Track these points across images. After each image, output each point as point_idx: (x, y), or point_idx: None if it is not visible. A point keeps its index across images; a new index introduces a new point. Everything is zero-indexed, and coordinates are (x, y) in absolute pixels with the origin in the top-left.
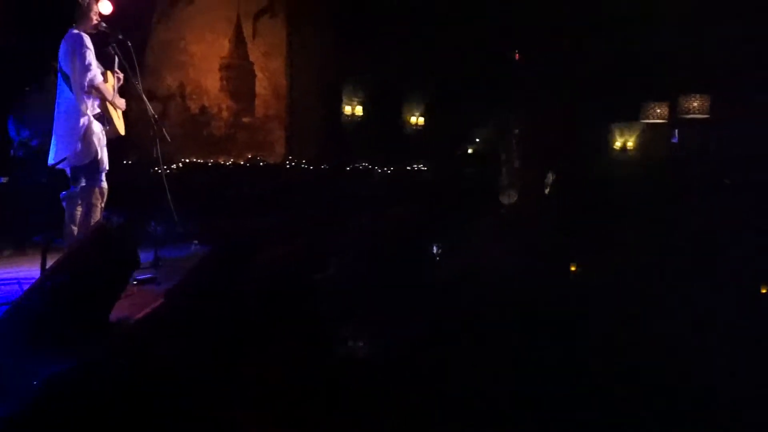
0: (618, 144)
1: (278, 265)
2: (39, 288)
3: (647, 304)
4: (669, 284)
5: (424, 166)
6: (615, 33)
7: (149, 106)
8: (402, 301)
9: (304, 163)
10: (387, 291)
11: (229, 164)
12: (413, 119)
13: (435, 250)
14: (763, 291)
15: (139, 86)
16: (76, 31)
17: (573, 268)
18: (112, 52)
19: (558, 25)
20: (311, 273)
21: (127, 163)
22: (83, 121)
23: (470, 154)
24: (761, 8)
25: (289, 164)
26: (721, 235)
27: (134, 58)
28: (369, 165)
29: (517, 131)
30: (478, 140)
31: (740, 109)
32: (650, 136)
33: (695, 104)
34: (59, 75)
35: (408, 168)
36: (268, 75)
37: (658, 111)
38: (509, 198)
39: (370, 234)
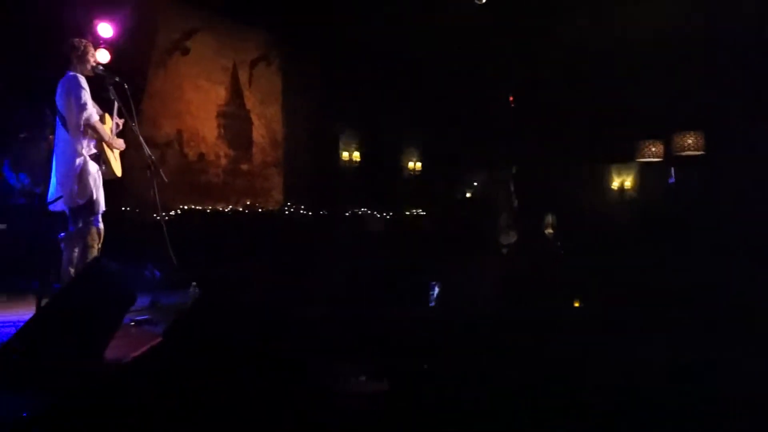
0: (615, 184)
1: (268, 305)
2: (32, 325)
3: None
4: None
5: (422, 211)
6: (606, 72)
7: (146, 148)
8: (394, 336)
9: (303, 209)
10: (381, 326)
11: (228, 211)
12: (411, 164)
13: (432, 288)
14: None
15: (136, 128)
16: (72, 73)
17: (576, 304)
18: (111, 96)
19: (551, 68)
20: (301, 312)
21: (124, 209)
22: (79, 161)
23: (468, 197)
24: (751, 45)
25: (287, 210)
26: (720, 274)
27: (131, 101)
28: (368, 210)
29: (514, 171)
30: (476, 183)
31: (735, 144)
32: (647, 175)
33: (689, 141)
34: (57, 117)
35: (407, 213)
36: (265, 122)
37: (653, 149)
38: (510, 238)
39: (364, 274)
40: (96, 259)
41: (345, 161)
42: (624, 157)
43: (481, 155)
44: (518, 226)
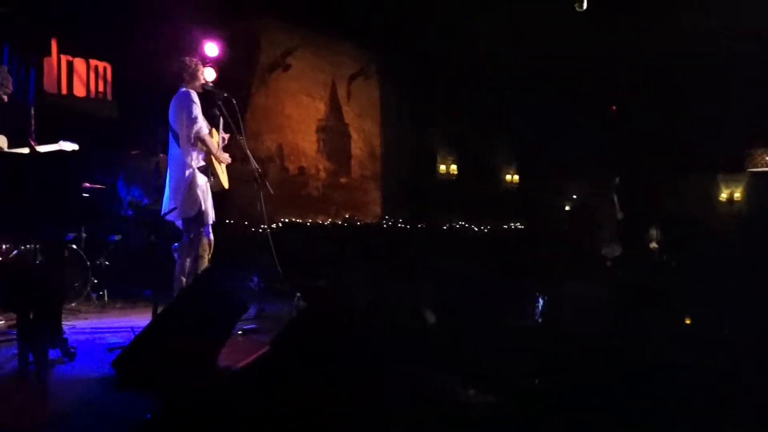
0: (724, 196)
1: (372, 316)
2: (150, 330)
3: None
4: None
5: (521, 224)
6: (712, 75)
7: (253, 161)
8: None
9: (401, 222)
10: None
11: (327, 224)
12: (508, 177)
13: (538, 301)
14: None
15: (244, 141)
16: (184, 89)
17: (687, 321)
18: (218, 111)
19: (654, 73)
20: (406, 322)
21: (229, 222)
22: (188, 173)
23: (568, 210)
24: None
25: (385, 224)
26: None
27: (239, 115)
28: (465, 223)
29: (617, 181)
30: (575, 196)
31: None
32: (759, 186)
33: None
34: (170, 132)
35: (504, 226)
36: (363, 136)
37: (767, 158)
38: (613, 252)
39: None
40: (210, 268)
41: (442, 174)
42: (732, 167)
43: (581, 166)
44: (623, 239)
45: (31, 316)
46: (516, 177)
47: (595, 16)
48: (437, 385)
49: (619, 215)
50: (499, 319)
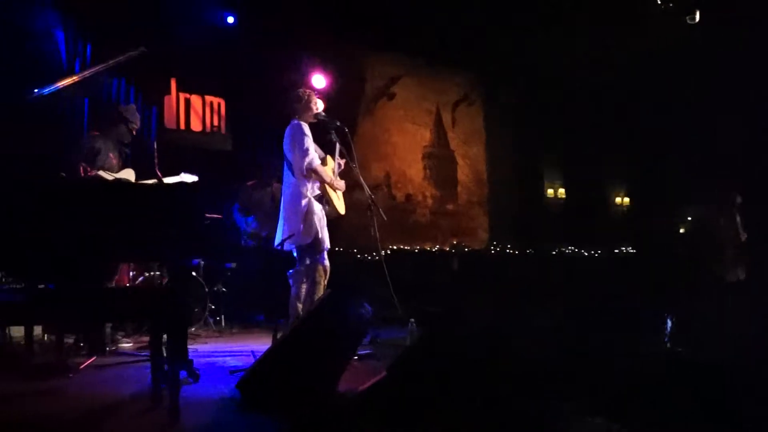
0: None
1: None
2: (274, 353)
3: None
4: None
5: (632, 248)
6: None
7: (366, 188)
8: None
9: (509, 248)
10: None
11: (435, 250)
12: (618, 199)
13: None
14: None
15: (356, 169)
16: (296, 121)
17: None
18: (333, 139)
19: None
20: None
21: (338, 249)
22: (304, 202)
23: (682, 232)
24: None
25: (493, 249)
26: None
27: (351, 143)
28: (574, 248)
29: (739, 200)
30: (690, 218)
31: None
32: None
33: None
34: (284, 162)
35: (616, 250)
36: (469, 162)
37: None
38: (738, 275)
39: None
40: (333, 293)
41: (550, 198)
42: None
43: (697, 187)
44: (747, 262)
45: (163, 338)
46: (627, 199)
47: (709, 31)
48: (561, 413)
49: (743, 236)
50: (625, 344)
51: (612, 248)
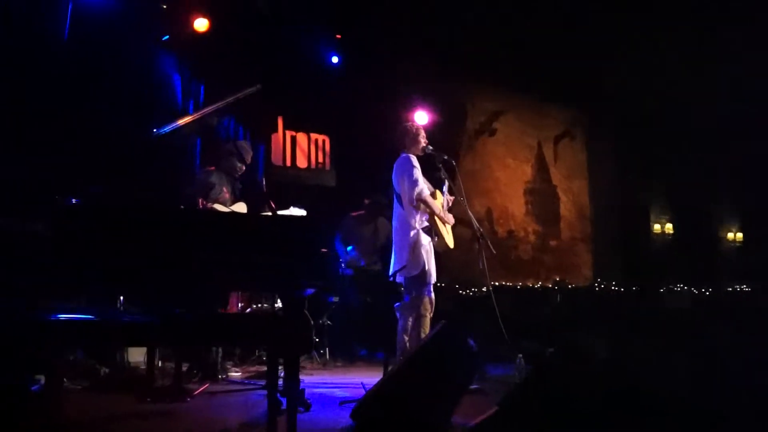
0: None
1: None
2: (388, 384)
3: None
4: None
5: (747, 287)
6: None
7: (475, 221)
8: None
9: (614, 285)
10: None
11: (538, 287)
12: (731, 235)
13: None
14: None
15: (464, 202)
16: (405, 154)
17: None
18: (441, 175)
19: None
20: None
21: (440, 284)
22: (413, 234)
23: None
24: None
25: (597, 286)
26: None
27: (459, 177)
28: (683, 286)
29: None
30: None
31: None
32: None
33: None
34: (394, 195)
35: (728, 288)
36: (572, 197)
37: None
38: None
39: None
40: (447, 325)
41: (657, 233)
42: None
43: None
44: None
45: (280, 365)
46: (739, 234)
47: None
48: None
49: None
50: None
51: (724, 286)
